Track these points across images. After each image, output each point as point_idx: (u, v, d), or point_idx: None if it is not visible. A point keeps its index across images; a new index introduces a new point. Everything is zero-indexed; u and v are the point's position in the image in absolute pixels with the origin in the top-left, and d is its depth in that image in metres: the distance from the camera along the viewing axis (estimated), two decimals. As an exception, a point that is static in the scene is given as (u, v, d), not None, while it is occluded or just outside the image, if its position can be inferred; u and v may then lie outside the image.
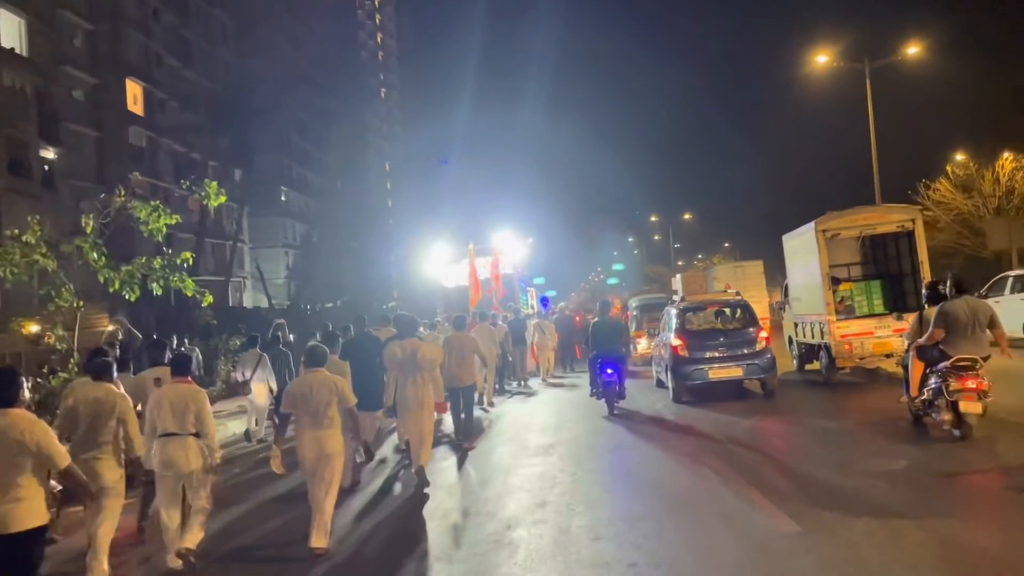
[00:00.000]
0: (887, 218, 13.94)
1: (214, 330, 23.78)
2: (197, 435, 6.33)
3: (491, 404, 15.57)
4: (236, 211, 48.53)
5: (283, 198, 58.22)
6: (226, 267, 45.63)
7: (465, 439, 10.83)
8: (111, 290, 10.95)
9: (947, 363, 8.08)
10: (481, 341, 13.00)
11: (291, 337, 13.96)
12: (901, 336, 11.44)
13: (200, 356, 15.49)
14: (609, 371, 12.55)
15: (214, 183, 12.20)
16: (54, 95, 30.34)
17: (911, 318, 9.70)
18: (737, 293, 14.85)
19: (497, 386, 17.08)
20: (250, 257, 50.82)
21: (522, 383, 18.77)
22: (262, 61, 51.25)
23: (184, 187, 12.25)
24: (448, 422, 12.05)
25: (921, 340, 8.51)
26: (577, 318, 24.56)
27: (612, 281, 77.52)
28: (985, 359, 8.05)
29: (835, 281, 13.96)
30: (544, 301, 26.55)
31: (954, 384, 7.91)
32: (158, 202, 11.77)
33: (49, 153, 30.16)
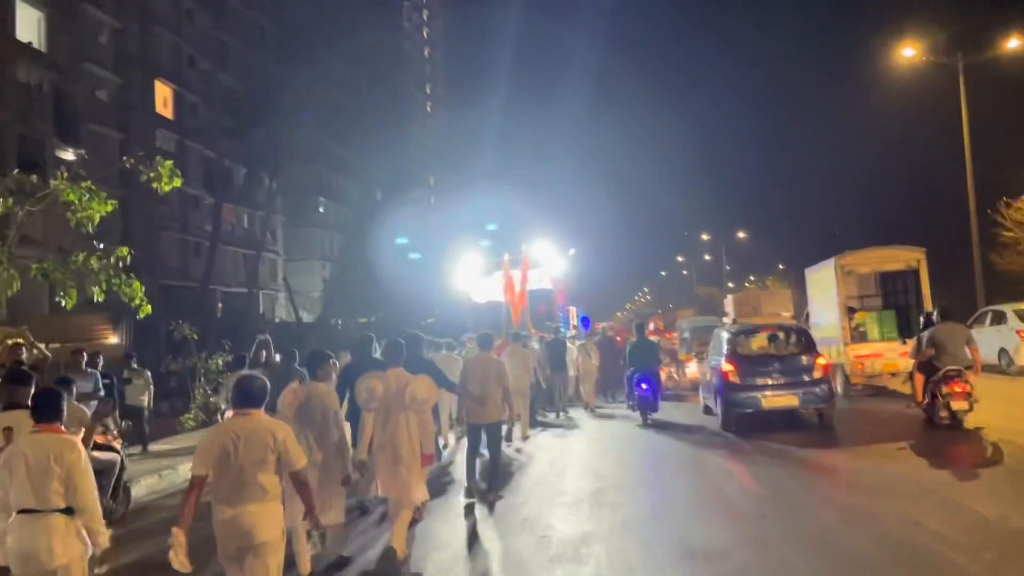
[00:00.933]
0: (897, 257, 16.17)
1: (194, 346, 21.69)
2: (69, 511, 4.26)
3: (525, 437, 13.27)
4: (269, 220, 47.08)
5: (321, 209, 56.70)
6: (256, 278, 44.09)
7: (489, 488, 8.61)
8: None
9: (939, 374, 10.58)
10: (511, 366, 11.06)
11: (277, 357, 11.67)
12: (907, 357, 13.12)
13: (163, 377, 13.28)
14: (644, 386, 13.90)
15: (168, 162, 10.03)
16: (75, 94, 28.92)
17: (912, 342, 12.26)
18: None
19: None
20: (284, 269, 49.29)
21: (560, 413, 16.34)
22: (302, 68, 49.82)
23: (128, 163, 10.07)
24: (460, 464, 9.76)
25: (919, 358, 11.12)
26: (619, 339, 22.18)
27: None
28: (968, 368, 10.51)
29: (851, 311, 15.64)
30: (585, 321, 24.17)
31: (945, 389, 10.46)
32: (89, 183, 9.56)
33: (67, 154, 28.68)
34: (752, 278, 75.23)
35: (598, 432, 14.05)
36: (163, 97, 35.46)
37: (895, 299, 16.62)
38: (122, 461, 8.13)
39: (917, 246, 15.93)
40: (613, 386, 19.44)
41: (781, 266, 77.90)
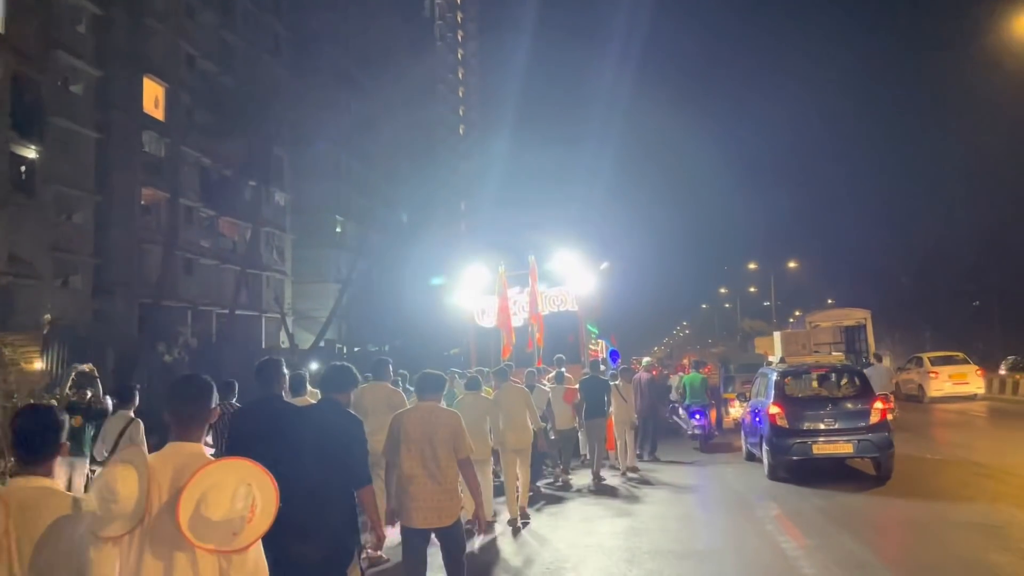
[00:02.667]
0: (850, 316, 23.17)
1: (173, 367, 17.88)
2: None
3: (523, 521, 9.38)
4: (276, 238, 43.50)
5: (338, 229, 53.01)
6: (259, 301, 40.38)
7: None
8: None
9: None
10: (508, 409, 9.45)
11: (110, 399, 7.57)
12: None
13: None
14: (698, 416, 16.01)
15: None
16: (40, 83, 25.53)
17: None
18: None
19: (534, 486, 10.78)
20: (292, 292, 45.56)
21: (596, 478, 12.39)
22: (321, 79, 46.61)
23: None
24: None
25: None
26: (654, 372, 18.22)
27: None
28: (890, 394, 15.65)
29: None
30: (614, 356, 19.82)
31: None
32: None
33: (28, 151, 25.27)
34: (798, 313, 70.18)
35: (644, 519, 9.64)
36: (153, 96, 32.09)
37: (853, 347, 22.40)
38: None
39: (866, 308, 23.12)
40: (653, 436, 15.06)
41: (830, 301, 72.85)
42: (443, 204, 71.82)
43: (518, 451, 9.86)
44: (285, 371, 5.28)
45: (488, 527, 9.28)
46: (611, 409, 13.07)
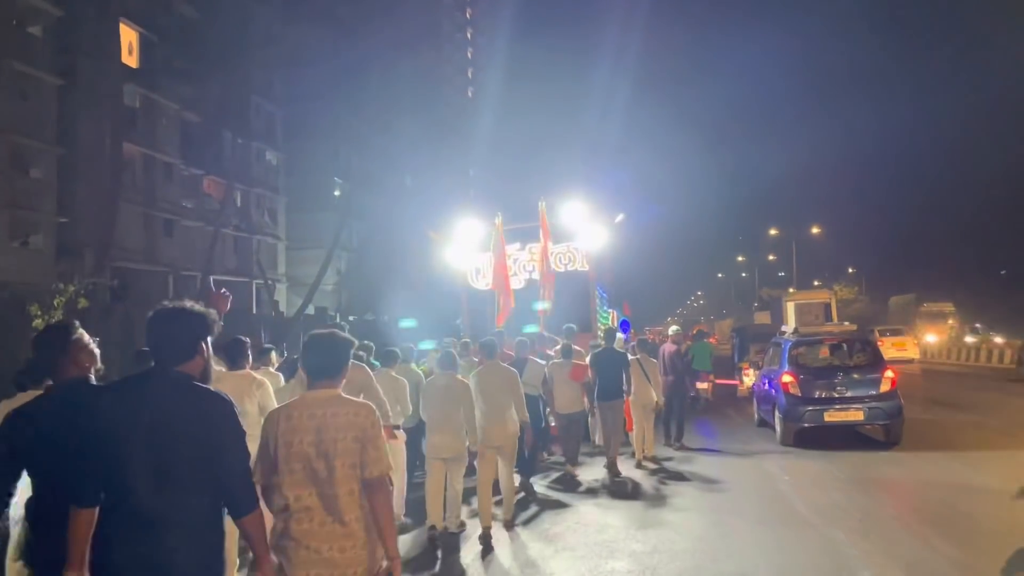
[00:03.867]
0: (819, 296, 28.15)
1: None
2: None
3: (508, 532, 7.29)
4: (268, 199, 40.95)
5: (336, 192, 50.33)
6: (250, 266, 37.94)
7: None
8: None
9: None
10: (487, 396, 7.49)
11: None
12: None
13: None
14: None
15: None
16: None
17: None
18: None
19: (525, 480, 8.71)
20: (287, 258, 43.09)
21: (612, 471, 10.02)
22: (318, 31, 43.78)
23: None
24: None
25: None
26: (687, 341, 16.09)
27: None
28: None
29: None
30: (624, 326, 17.27)
31: None
32: None
33: (-25, 96, 22.75)
34: (817, 283, 67.42)
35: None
36: (127, 42, 29.41)
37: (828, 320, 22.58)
38: None
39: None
40: (680, 416, 12.50)
41: (851, 270, 69.91)
42: (449, 168, 69.05)
43: (499, 449, 7.49)
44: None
45: (450, 537, 7.01)
46: (630, 388, 10.54)
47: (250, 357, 6.33)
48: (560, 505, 8.55)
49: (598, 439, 11.85)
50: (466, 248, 15.34)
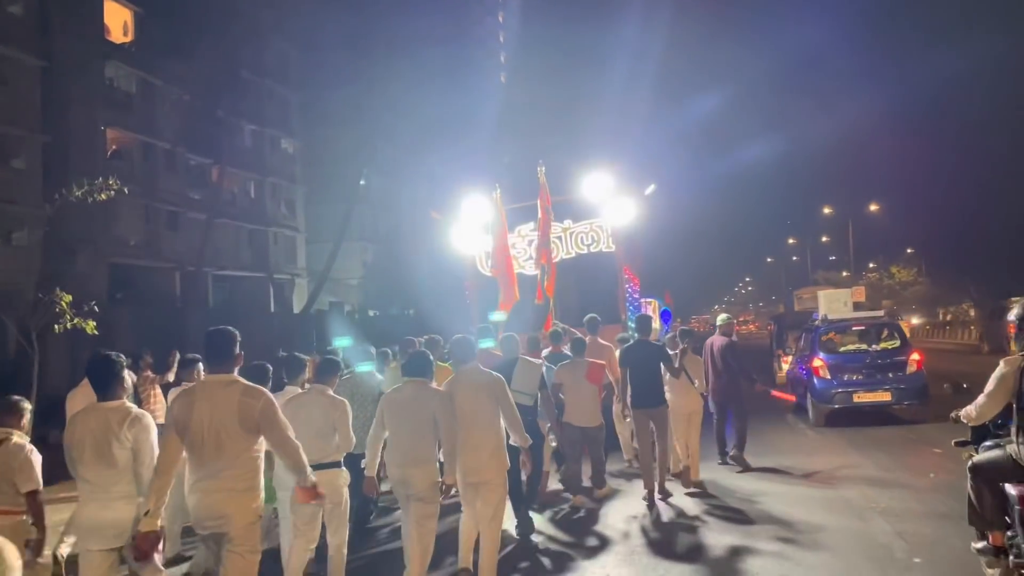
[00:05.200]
0: (810, 292, 27.78)
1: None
2: None
3: None
4: (285, 189, 38.80)
5: (362, 182, 48.02)
6: (266, 260, 35.87)
7: None
8: None
9: None
10: (464, 412, 5.50)
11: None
12: None
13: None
14: None
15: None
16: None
17: None
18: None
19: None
20: (308, 251, 40.89)
21: (649, 499, 7.86)
22: (335, 11, 41.41)
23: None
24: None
25: None
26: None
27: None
28: None
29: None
30: (666, 316, 15.30)
31: None
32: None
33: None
34: (872, 265, 63.44)
35: None
36: (123, 21, 27.37)
37: None
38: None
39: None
40: (740, 430, 9.75)
41: (910, 250, 65.65)
42: (482, 156, 66.51)
43: (477, 486, 5.56)
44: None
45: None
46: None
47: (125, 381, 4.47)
48: (568, 563, 5.97)
49: (628, 455, 9.42)
50: (473, 230, 12.85)
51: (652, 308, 20.62)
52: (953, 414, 5.00)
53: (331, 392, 5.70)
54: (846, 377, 12.06)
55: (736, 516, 7.18)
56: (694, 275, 79.28)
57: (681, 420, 8.54)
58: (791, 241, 68.62)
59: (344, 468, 5.56)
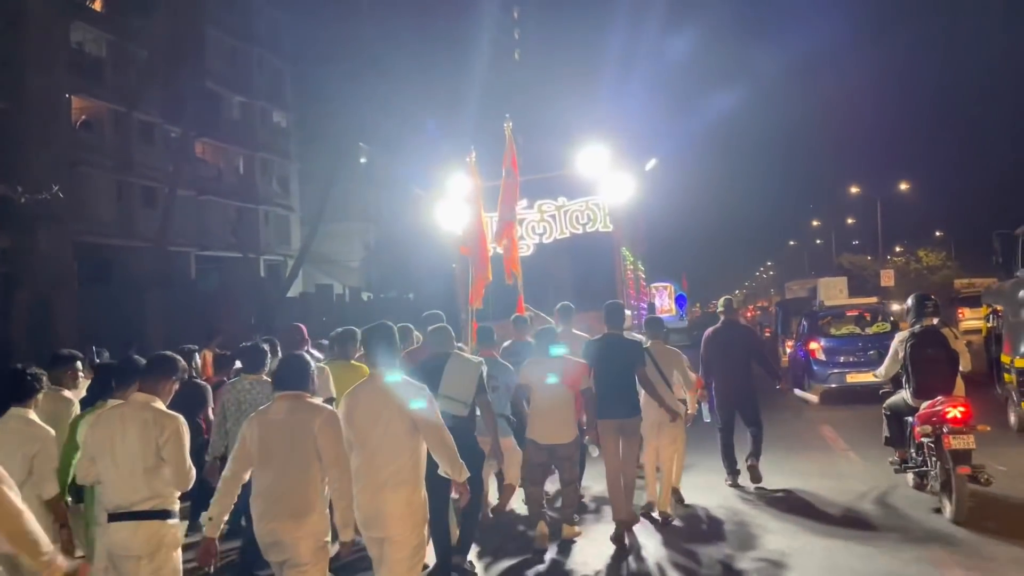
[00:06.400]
0: (804, 286, 29.93)
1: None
2: None
3: None
4: (277, 166, 36.70)
5: (362, 159, 45.87)
6: (256, 240, 33.88)
7: None
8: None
9: None
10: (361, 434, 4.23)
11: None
12: None
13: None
14: None
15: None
16: None
17: None
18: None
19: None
20: (304, 232, 38.87)
21: (662, 515, 6.80)
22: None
23: None
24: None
25: None
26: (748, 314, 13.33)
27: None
28: None
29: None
30: (681, 301, 14.09)
31: None
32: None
33: None
34: (898, 248, 60.81)
35: None
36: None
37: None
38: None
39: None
40: (755, 438, 7.86)
41: (938, 233, 62.90)
42: (493, 134, 64.21)
43: (381, 543, 4.22)
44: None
45: None
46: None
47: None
48: None
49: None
50: (456, 207, 10.80)
51: (668, 293, 19.41)
52: (872, 374, 7.51)
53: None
54: (840, 359, 13.28)
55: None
56: (713, 260, 76.72)
57: (652, 428, 6.79)
58: (815, 223, 65.99)
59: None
